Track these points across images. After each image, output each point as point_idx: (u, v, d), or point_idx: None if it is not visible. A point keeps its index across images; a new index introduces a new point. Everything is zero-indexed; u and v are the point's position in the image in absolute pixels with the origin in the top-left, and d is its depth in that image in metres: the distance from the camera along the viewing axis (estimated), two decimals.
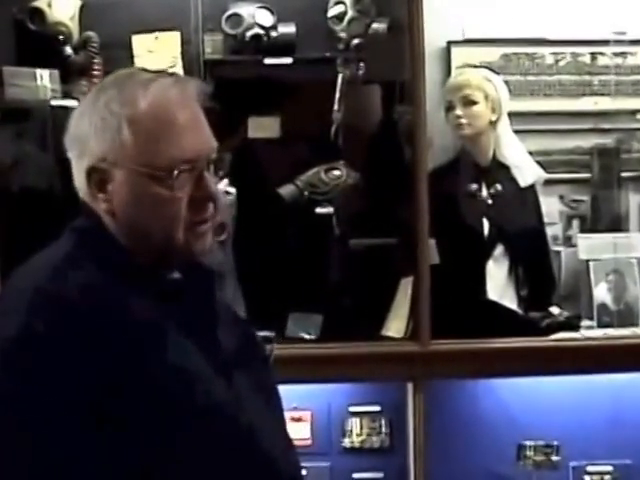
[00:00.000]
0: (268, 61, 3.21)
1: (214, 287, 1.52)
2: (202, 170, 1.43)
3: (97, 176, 1.42)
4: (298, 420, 3.02)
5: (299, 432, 2.99)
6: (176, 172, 1.40)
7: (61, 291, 1.35)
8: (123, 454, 1.30)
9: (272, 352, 1.61)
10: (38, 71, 3.05)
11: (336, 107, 3.20)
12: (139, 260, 1.43)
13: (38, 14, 3.11)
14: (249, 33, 3.20)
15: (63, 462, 1.29)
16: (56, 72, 3.09)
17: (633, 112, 3.51)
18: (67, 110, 3.06)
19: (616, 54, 3.51)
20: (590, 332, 3.12)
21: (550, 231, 3.43)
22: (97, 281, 1.38)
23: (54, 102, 3.08)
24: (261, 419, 1.45)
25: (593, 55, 3.52)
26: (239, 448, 1.40)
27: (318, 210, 3.16)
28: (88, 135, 1.42)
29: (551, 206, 3.46)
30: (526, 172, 3.31)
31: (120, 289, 1.38)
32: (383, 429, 3.11)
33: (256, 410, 1.45)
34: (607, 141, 3.49)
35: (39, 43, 3.12)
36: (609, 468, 3.11)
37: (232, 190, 3.01)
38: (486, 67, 3.38)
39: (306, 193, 3.16)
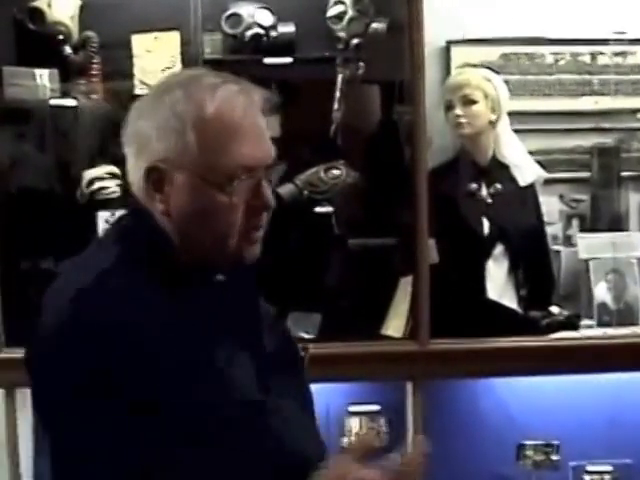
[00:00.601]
0: (268, 61, 3.21)
1: (256, 287, 1.54)
2: (260, 179, 1.43)
3: (155, 176, 1.41)
4: None
5: None
6: (237, 181, 1.39)
7: (104, 293, 1.35)
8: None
9: (307, 352, 1.61)
10: (37, 71, 3.04)
11: (336, 107, 3.19)
12: (187, 260, 1.43)
13: (38, 14, 3.11)
14: (249, 33, 3.19)
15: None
16: (55, 72, 3.09)
17: (633, 111, 3.51)
18: (66, 109, 3.07)
19: (616, 54, 3.51)
20: (590, 331, 3.12)
21: (550, 230, 3.43)
22: (141, 283, 1.38)
23: (53, 102, 3.08)
24: (296, 423, 1.48)
25: (593, 55, 3.52)
26: (270, 454, 1.42)
27: (317, 209, 3.16)
28: (149, 134, 1.40)
29: (551, 205, 3.47)
30: (526, 171, 3.31)
31: (165, 289, 1.38)
32: (382, 429, 3.11)
33: (292, 414, 1.48)
34: (607, 140, 3.49)
35: (39, 43, 3.11)
36: (609, 468, 3.09)
37: None
38: (486, 67, 3.38)
39: (305, 192, 3.16)
